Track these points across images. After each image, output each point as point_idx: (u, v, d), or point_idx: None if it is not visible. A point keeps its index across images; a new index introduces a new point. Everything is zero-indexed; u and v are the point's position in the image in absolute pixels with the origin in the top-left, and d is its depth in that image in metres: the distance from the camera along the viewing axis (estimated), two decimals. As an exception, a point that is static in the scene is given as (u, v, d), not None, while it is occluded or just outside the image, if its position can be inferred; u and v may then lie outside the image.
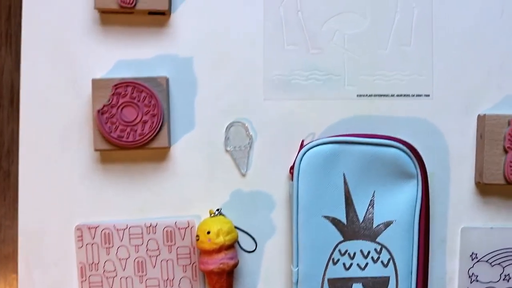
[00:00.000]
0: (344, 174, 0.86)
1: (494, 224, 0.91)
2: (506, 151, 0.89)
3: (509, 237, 0.91)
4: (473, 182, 0.91)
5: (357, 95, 0.90)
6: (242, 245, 0.89)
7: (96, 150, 0.86)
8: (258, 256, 0.89)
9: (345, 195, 0.86)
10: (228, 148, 0.88)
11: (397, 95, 0.90)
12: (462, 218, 0.91)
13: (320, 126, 0.89)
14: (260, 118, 0.89)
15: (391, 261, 0.87)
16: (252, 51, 0.89)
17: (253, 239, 0.89)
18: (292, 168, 0.87)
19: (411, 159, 0.86)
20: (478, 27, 0.90)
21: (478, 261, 0.91)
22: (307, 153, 0.86)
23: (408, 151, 0.86)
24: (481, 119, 0.89)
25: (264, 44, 0.89)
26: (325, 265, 0.87)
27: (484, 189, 0.91)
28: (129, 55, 0.88)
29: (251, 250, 0.89)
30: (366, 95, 0.90)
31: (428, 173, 0.88)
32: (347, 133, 0.88)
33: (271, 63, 0.89)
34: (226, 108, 0.88)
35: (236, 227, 0.87)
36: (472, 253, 0.91)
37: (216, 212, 0.87)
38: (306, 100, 0.89)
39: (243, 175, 0.89)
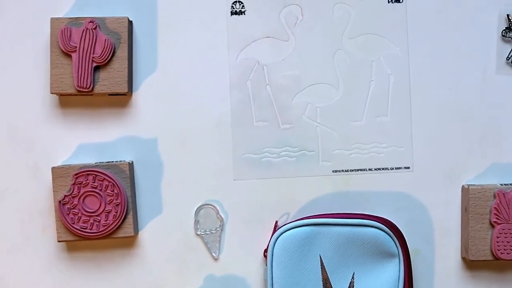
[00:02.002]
0: (320, 257, 0.82)
1: (485, 300, 0.86)
2: (492, 226, 0.83)
3: (500, 314, 0.86)
4: (460, 257, 0.86)
5: (333, 171, 0.85)
6: (217, 332, 0.85)
7: (59, 241, 0.82)
8: None
9: (323, 279, 0.82)
10: (199, 232, 0.84)
11: (376, 169, 0.85)
12: (450, 295, 0.86)
13: (294, 205, 0.84)
14: (231, 199, 0.84)
15: None
16: (219, 130, 0.84)
17: (228, 325, 0.85)
18: (266, 251, 0.82)
19: (391, 237, 0.81)
20: (458, 94, 0.85)
21: None
22: (280, 237, 0.81)
23: (387, 229, 0.81)
24: (465, 191, 0.84)
25: (231, 122, 0.84)
26: None
27: (472, 264, 0.86)
28: (91, 138, 0.84)
29: (227, 337, 0.85)
30: (342, 171, 0.85)
31: (411, 250, 0.84)
32: (324, 211, 0.84)
33: (240, 141, 0.84)
34: (194, 190, 0.84)
35: (209, 316, 0.83)
36: (462, 331, 0.86)
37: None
38: (279, 179, 0.84)
39: (216, 259, 0.85)
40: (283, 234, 0.81)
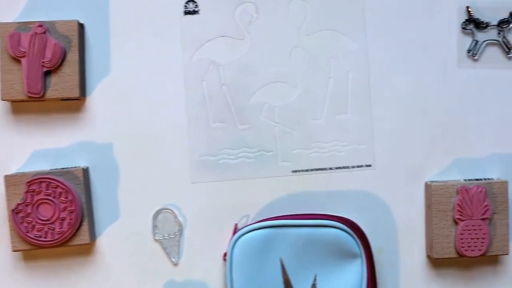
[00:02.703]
0: (281, 260, 0.80)
1: (451, 299, 0.85)
2: (456, 223, 0.82)
3: (468, 312, 0.85)
4: (425, 255, 0.84)
5: (292, 171, 0.83)
6: (179, 339, 0.83)
7: (14, 251, 0.80)
8: None
9: (284, 282, 0.80)
10: (157, 237, 0.82)
11: (336, 168, 0.83)
12: (416, 294, 0.85)
13: (254, 207, 0.83)
14: (189, 203, 0.83)
15: None
16: (175, 132, 0.82)
17: (191, 331, 0.84)
18: (225, 254, 0.80)
19: (352, 237, 0.80)
20: (419, 89, 0.83)
21: None
22: (239, 240, 0.80)
23: (348, 229, 0.79)
24: (428, 188, 0.83)
25: (187, 123, 0.82)
26: None
27: (437, 261, 0.84)
28: (45, 145, 0.82)
29: None
30: (302, 171, 0.83)
31: (374, 249, 0.82)
32: (284, 213, 0.82)
33: (197, 144, 0.82)
34: (151, 195, 0.82)
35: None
36: (429, 331, 0.85)
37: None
38: (237, 180, 0.83)
39: (175, 264, 0.83)
40: (242, 237, 0.80)
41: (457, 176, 0.84)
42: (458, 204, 0.81)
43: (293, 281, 0.80)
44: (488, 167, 0.84)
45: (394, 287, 0.84)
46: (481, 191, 0.81)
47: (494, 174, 0.84)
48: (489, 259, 0.84)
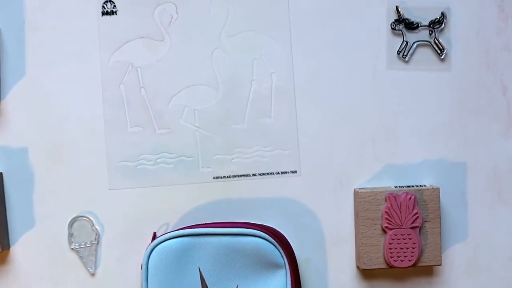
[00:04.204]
0: (200, 270, 0.76)
1: (382, 313, 0.81)
2: (384, 231, 0.78)
3: (400, 326, 0.80)
4: (355, 265, 0.80)
5: (214, 177, 0.80)
6: None
7: None
8: None
9: (203, 293, 0.77)
10: (73, 246, 0.79)
11: (260, 174, 0.80)
12: (345, 308, 0.80)
13: (174, 215, 0.79)
14: (107, 210, 0.79)
15: None
16: (92, 137, 0.79)
17: None
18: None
19: (275, 247, 0.76)
20: (348, 92, 0.80)
21: None
22: (155, 249, 0.76)
23: (270, 238, 0.76)
24: (356, 195, 0.79)
25: (105, 128, 0.79)
26: None
27: (368, 273, 0.80)
28: (-42, 150, 0.80)
29: None
30: (224, 177, 0.80)
31: (300, 260, 0.78)
32: (205, 221, 0.78)
33: (114, 149, 0.79)
34: (68, 202, 0.79)
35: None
36: None
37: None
38: (156, 187, 0.79)
39: (92, 274, 0.79)
40: (158, 246, 0.76)
41: (388, 183, 0.80)
42: (386, 212, 0.77)
43: (212, 293, 0.77)
44: (420, 173, 0.80)
45: (321, 299, 0.80)
46: (410, 198, 0.77)
47: (426, 181, 0.80)
48: (422, 270, 0.80)
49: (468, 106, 0.80)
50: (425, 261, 0.78)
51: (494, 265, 0.81)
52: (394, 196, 0.77)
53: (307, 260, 0.79)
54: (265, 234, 0.76)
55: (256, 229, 0.76)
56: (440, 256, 0.78)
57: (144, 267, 0.76)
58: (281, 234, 0.78)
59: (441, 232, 0.78)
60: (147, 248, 0.76)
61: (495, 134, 0.80)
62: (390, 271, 0.79)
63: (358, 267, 0.80)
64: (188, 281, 0.76)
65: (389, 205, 0.77)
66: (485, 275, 0.81)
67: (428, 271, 0.80)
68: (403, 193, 0.77)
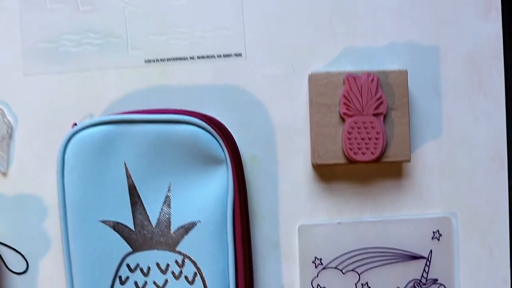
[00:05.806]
0: (125, 164, 0.65)
1: (343, 218, 0.69)
2: (343, 120, 0.67)
3: (363, 234, 0.69)
4: (310, 163, 0.69)
5: (145, 61, 0.69)
6: (8, 265, 0.68)
7: None
8: (31, 278, 0.68)
9: (130, 191, 0.65)
10: (-18, 141, 0.69)
11: (198, 57, 0.69)
12: (299, 213, 0.69)
13: (100, 104, 0.68)
14: (21, 100, 0.68)
15: (197, 275, 0.65)
16: (5, 15, 0.69)
17: (23, 256, 0.68)
18: (63, 159, 0.66)
19: (214, 137, 0.65)
20: (299, -39, 0.69)
21: (324, 268, 0.69)
22: (72, 139, 0.65)
23: (208, 127, 0.64)
24: (310, 79, 0.68)
25: (20, 5, 0.69)
26: (109, 286, 0.66)
27: (325, 172, 0.69)
28: None
29: (21, 271, 0.69)
30: (157, 60, 0.68)
31: (246, 156, 0.67)
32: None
33: (31, 29, 0.68)
34: (-25, 90, 0.69)
35: (-3, 243, 0.67)
36: (316, 258, 0.68)
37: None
38: (79, 72, 0.68)
39: (4, 174, 0.68)
40: (76, 136, 0.65)
41: (348, 69, 0.69)
42: (344, 96, 0.66)
43: (140, 191, 0.65)
44: (385, 58, 0.69)
45: (271, 203, 0.68)
46: (372, 79, 0.66)
47: (393, 66, 0.69)
48: (388, 169, 0.69)
49: (441, -20, 0.69)
50: (391, 155, 0.67)
51: (473, 167, 0.70)
52: (354, 78, 0.66)
53: (253, 158, 0.68)
54: (203, 122, 0.64)
55: (192, 116, 0.65)
56: (409, 151, 0.67)
57: (59, 159, 0.64)
58: (222, 124, 0.66)
59: (409, 124, 0.67)
60: (63, 139, 0.65)
61: (473, 15, 0.70)
62: (351, 169, 0.68)
63: (313, 165, 0.68)
64: (112, 177, 0.65)
65: (347, 88, 0.66)
66: (462, 178, 0.70)
67: (396, 171, 0.69)
68: (364, 74, 0.66)
